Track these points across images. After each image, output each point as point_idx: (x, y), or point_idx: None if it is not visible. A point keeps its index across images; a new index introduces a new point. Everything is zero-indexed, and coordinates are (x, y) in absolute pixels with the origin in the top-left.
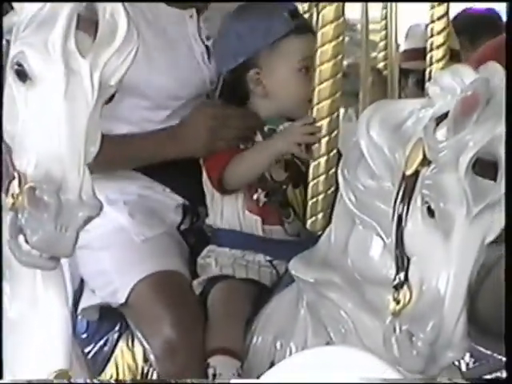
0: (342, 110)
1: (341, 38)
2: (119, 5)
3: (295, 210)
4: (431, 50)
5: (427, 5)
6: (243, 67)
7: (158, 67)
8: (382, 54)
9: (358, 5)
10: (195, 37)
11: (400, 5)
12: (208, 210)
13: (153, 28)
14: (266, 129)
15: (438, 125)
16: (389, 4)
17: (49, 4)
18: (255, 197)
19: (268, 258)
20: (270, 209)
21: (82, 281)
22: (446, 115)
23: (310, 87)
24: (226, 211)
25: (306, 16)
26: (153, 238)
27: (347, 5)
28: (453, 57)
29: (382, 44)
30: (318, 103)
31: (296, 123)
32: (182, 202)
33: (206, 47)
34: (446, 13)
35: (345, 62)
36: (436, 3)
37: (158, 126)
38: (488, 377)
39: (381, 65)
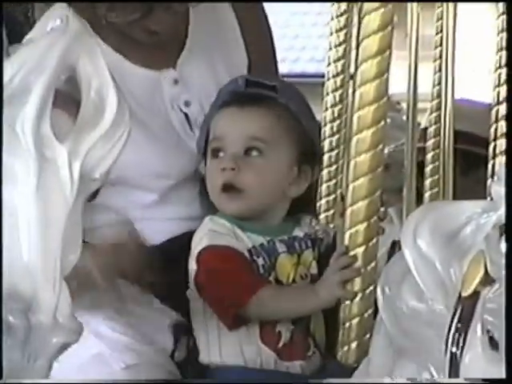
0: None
1: (382, 123)
2: (109, 79)
3: (315, 339)
4: (495, 138)
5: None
6: None
7: (134, 142)
8: (432, 141)
9: (404, 77)
10: (172, 104)
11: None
12: (198, 346)
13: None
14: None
15: (503, 234)
16: (444, 75)
17: (20, 75)
18: (278, 328)
19: None
20: (290, 341)
21: None
22: None
23: (220, 171)
24: (225, 345)
25: (343, 18)
26: (136, 365)
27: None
28: None
29: (432, 129)
30: (351, 205)
31: (331, 261)
32: (175, 322)
33: (186, 115)
34: None
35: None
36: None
37: (147, 213)
38: None
39: (430, 155)
